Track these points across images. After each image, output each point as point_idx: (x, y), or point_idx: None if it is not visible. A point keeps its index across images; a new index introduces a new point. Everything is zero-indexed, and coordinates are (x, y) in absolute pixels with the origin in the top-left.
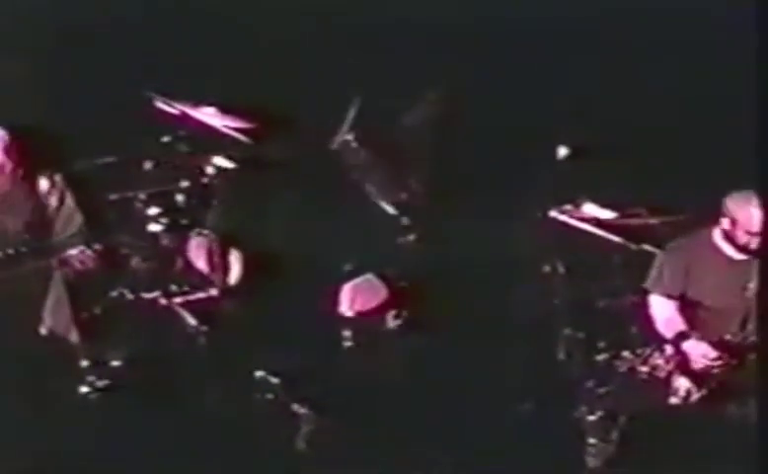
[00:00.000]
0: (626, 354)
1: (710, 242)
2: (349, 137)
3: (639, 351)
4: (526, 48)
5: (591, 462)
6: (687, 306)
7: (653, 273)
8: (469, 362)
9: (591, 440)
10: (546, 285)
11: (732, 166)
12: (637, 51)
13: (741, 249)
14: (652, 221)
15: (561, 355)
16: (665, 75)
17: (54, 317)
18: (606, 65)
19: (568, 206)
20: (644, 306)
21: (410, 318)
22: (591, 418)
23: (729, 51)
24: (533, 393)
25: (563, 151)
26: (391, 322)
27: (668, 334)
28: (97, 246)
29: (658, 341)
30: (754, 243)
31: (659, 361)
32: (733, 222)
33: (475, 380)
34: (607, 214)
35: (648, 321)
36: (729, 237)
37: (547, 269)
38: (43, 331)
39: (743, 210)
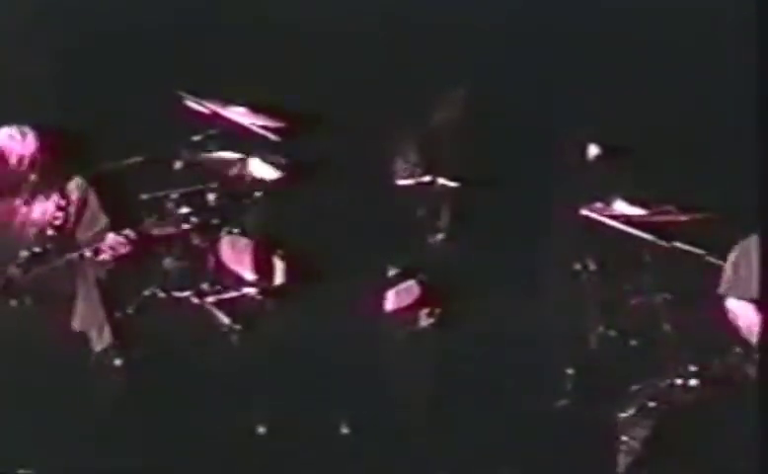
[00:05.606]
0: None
1: None
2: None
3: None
4: (557, 47)
5: (623, 460)
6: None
7: (727, 274)
8: (500, 360)
9: (624, 438)
10: (577, 283)
11: (763, 162)
12: (667, 51)
13: None
14: (683, 218)
15: (592, 353)
16: (696, 74)
17: (85, 317)
18: (637, 64)
19: (598, 204)
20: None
21: (442, 316)
22: (623, 415)
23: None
24: (565, 391)
25: (594, 150)
26: (424, 320)
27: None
28: (128, 232)
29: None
30: None
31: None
32: None
33: (506, 378)
34: (638, 212)
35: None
36: None
37: (578, 266)
38: (75, 326)
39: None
